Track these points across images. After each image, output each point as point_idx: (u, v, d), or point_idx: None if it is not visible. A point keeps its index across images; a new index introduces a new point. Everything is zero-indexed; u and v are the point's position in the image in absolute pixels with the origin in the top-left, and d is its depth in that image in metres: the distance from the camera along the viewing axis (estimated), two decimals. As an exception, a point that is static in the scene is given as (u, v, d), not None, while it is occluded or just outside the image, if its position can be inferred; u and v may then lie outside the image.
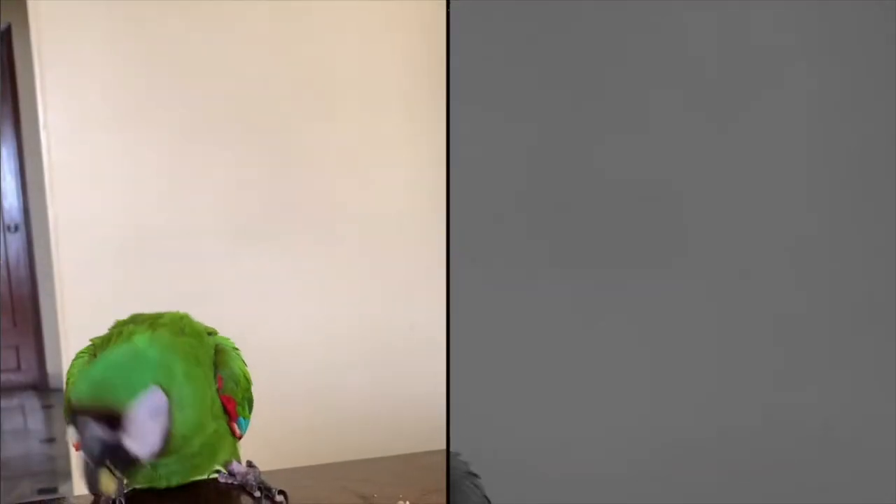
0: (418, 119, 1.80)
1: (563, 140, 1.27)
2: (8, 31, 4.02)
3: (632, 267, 1.26)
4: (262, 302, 1.77)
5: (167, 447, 0.97)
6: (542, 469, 1.26)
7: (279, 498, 1.10)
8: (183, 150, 1.75)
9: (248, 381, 1.10)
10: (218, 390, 1.04)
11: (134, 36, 1.72)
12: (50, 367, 4.18)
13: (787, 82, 1.27)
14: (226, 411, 1.06)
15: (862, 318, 1.26)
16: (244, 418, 1.10)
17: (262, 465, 1.14)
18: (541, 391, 1.26)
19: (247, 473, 1.13)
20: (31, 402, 4.10)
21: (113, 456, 0.93)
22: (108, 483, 0.94)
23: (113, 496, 0.97)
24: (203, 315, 1.09)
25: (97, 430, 0.92)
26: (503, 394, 1.26)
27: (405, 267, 1.83)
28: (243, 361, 1.11)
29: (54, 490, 2.98)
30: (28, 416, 4.00)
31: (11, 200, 4.29)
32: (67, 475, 2.42)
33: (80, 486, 1.37)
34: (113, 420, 0.92)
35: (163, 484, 1.07)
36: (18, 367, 4.28)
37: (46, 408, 4.00)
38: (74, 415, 0.92)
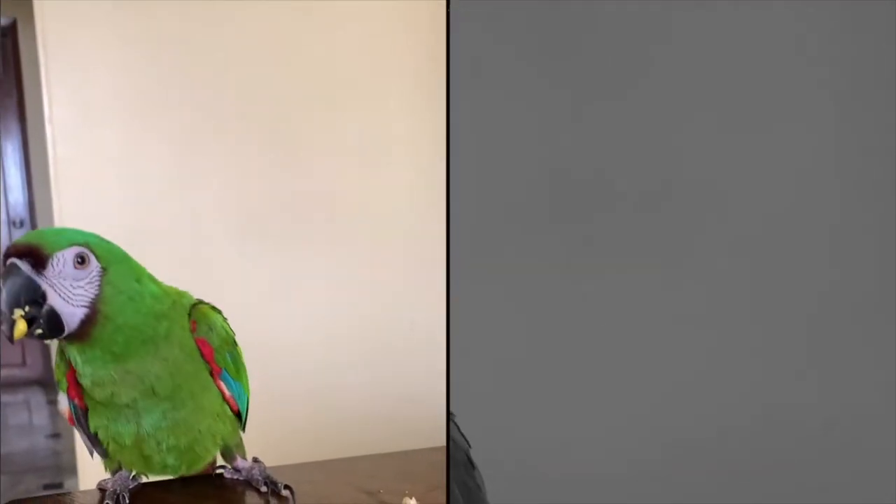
0: (420, 117, 1.81)
1: (564, 138, 1.27)
2: (13, 25, 4.03)
3: (631, 266, 1.26)
4: (265, 300, 1.78)
5: (91, 323, 0.96)
6: (542, 468, 1.26)
7: (285, 493, 1.10)
8: (188, 146, 1.75)
9: (229, 335, 1.09)
10: (191, 332, 1.04)
11: (139, 30, 1.73)
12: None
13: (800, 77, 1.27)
14: (203, 357, 1.05)
15: (862, 317, 1.26)
16: (232, 377, 1.09)
17: (266, 463, 1.15)
18: (541, 390, 1.27)
19: (252, 468, 1.13)
20: (37, 398, 4.11)
21: (32, 302, 0.92)
22: (21, 329, 0.92)
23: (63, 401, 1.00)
24: (205, 312, 1.10)
25: (20, 268, 0.92)
26: (503, 393, 1.26)
27: (405, 265, 1.83)
28: (224, 319, 1.11)
29: (59, 485, 2.99)
30: (33, 412, 4.02)
31: (17, 195, 4.30)
32: (72, 470, 2.42)
33: (85, 482, 1.38)
34: (38, 261, 0.93)
35: (157, 467, 1.07)
36: (23, 363, 4.29)
37: (51, 403, 4.01)
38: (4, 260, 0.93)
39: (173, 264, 1.73)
